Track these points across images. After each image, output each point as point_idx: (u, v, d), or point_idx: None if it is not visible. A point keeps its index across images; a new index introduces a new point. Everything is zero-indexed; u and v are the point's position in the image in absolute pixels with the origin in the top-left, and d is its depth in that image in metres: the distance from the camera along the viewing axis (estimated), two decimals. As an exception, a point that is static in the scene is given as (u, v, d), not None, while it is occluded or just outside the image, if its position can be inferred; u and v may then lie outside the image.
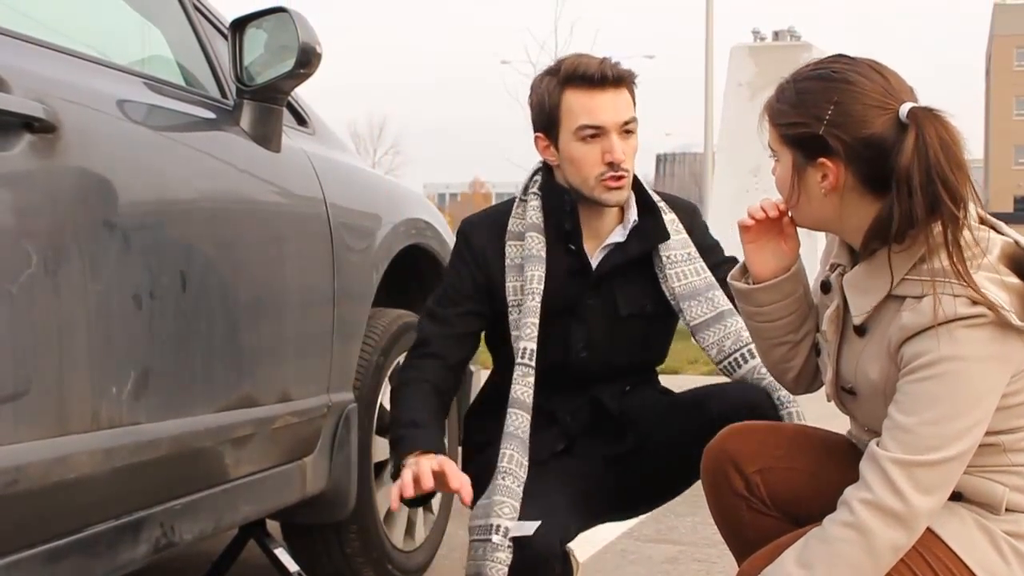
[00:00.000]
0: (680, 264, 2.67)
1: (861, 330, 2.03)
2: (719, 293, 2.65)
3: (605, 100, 2.55)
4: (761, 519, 2.19)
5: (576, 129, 2.55)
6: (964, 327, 1.86)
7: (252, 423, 2.51)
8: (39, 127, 1.92)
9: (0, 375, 1.81)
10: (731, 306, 2.61)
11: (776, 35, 10.93)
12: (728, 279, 2.31)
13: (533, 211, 2.64)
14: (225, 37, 2.71)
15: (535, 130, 2.65)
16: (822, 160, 1.98)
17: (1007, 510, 1.97)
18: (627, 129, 2.58)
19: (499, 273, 2.64)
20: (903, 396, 1.91)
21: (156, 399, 2.18)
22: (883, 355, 1.97)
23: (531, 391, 2.54)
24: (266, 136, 2.65)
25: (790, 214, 2.14)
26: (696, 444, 2.32)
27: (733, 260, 2.67)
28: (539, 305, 2.57)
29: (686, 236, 2.70)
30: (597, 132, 2.55)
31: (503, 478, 2.46)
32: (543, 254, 2.60)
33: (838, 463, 2.12)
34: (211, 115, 2.57)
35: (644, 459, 2.63)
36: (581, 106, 2.55)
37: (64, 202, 1.97)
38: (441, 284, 2.69)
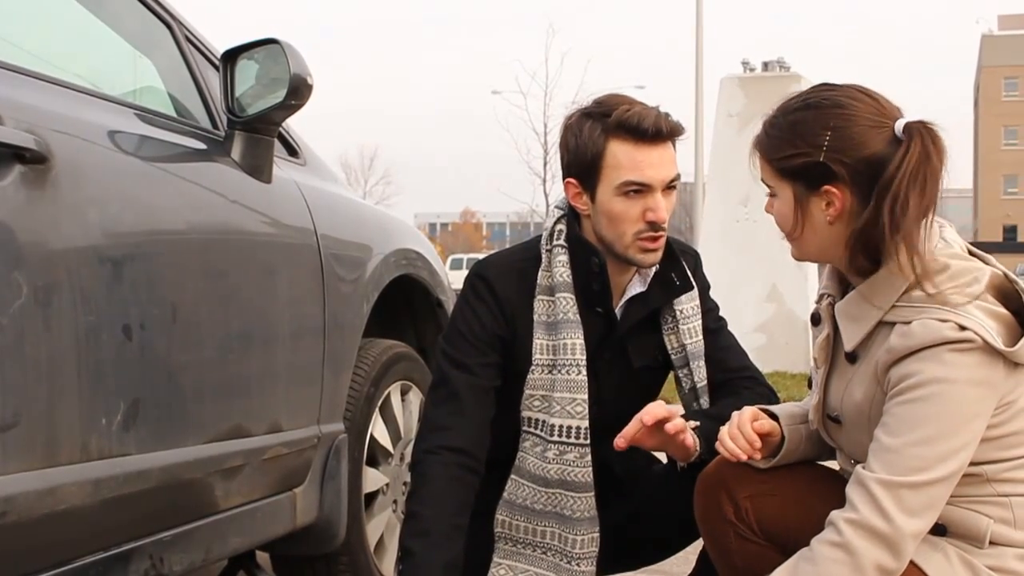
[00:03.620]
0: (691, 319, 2.53)
1: (852, 357, 2.04)
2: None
3: (654, 156, 2.37)
4: (748, 546, 2.19)
5: (620, 184, 2.37)
6: (951, 350, 1.88)
7: (242, 454, 2.50)
8: (30, 158, 1.92)
9: (-11, 406, 1.81)
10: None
11: (766, 66, 10.95)
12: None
13: (562, 267, 2.47)
14: (216, 68, 2.71)
15: (567, 175, 2.45)
16: (827, 188, 1.98)
17: (991, 543, 1.97)
18: (670, 186, 2.41)
19: (526, 328, 2.47)
20: (889, 418, 1.93)
21: (146, 430, 2.17)
22: (870, 378, 1.99)
23: (591, 470, 2.44)
24: (257, 167, 2.66)
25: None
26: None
27: (721, 330, 2.62)
28: (587, 379, 2.44)
29: (695, 286, 2.56)
30: (642, 189, 2.37)
31: (579, 563, 2.43)
32: (579, 318, 2.45)
33: (829, 494, 2.12)
34: (202, 146, 2.58)
35: (644, 523, 2.56)
36: (629, 160, 2.36)
37: (55, 233, 1.97)
38: (454, 325, 2.51)
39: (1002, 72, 73.90)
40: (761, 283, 9.78)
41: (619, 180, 2.37)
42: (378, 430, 3.17)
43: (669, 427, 2.29)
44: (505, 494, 2.49)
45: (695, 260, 2.64)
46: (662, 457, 2.74)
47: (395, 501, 3.28)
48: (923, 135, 1.94)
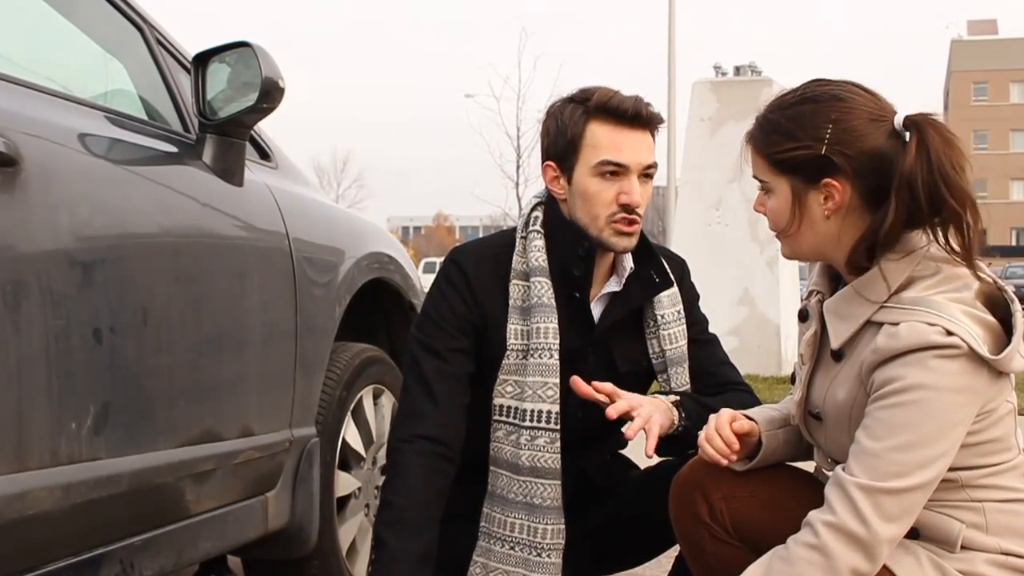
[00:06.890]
0: (672, 325, 2.53)
1: (838, 355, 2.05)
2: (686, 367, 2.55)
3: (633, 139, 2.42)
4: (722, 547, 2.20)
5: (597, 163, 2.41)
6: (937, 357, 1.88)
7: (214, 458, 2.50)
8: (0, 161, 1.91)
9: (-42, 411, 1.80)
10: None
11: (737, 70, 10.97)
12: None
13: (537, 251, 2.48)
14: (188, 71, 2.71)
15: (545, 158, 2.50)
16: (827, 181, 1.98)
17: (962, 547, 1.98)
18: (647, 173, 2.44)
19: (499, 313, 2.48)
20: (872, 421, 1.93)
21: (116, 434, 2.16)
22: (854, 378, 1.99)
23: (559, 456, 2.42)
24: (228, 170, 2.65)
25: (786, 240, 2.09)
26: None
27: (711, 343, 2.62)
28: (558, 363, 2.43)
29: (676, 290, 2.57)
30: (618, 170, 2.40)
31: (548, 555, 2.41)
32: (554, 303, 2.45)
33: (803, 497, 2.13)
34: (173, 149, 2.57)
35: (622, 527, 2.55)
36: (608, 140, 2.41)
37: (24, 236, 1.96)
38: (425, 311, 2.53)
39: (971, 76, 74.40)
40: (733, 287, 9.81)
41: (596, 159, 2.41)
42: (350, 434, 3.17)
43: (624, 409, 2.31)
44: (489, 486, 2.49)
45: (682, 269, 2.65)
46: (641, 463, 2.74)
47: (367, 505, 3.27)
48: (927, 125, 1.95)
